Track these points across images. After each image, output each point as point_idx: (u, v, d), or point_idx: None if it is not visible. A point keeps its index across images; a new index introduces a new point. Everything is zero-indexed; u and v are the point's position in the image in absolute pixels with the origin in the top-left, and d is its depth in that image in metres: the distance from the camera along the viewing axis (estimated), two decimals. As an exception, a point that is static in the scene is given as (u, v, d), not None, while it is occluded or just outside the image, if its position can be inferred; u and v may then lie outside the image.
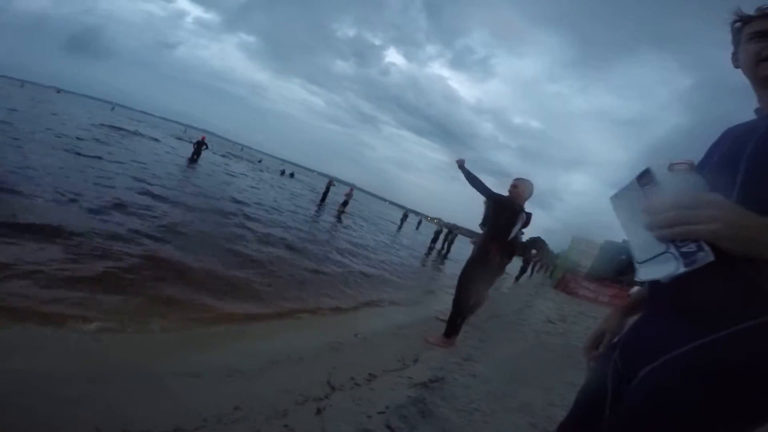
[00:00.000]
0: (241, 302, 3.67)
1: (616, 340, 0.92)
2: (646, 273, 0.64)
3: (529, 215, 3.62)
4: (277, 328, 3.31)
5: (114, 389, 1.77)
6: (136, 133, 21.71)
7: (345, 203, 18.44)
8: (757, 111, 0.81)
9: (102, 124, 20.05)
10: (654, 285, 0.79)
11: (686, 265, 0.58)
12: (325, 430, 1.75)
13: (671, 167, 0.67)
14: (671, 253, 0.60)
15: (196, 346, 2.52)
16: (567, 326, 6.69)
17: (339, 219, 14.81)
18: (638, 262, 0.67)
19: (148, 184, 7.91)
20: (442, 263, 13.24)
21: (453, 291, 3.79)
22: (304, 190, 25.07)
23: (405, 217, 27.20)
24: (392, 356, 2.92)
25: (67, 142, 10.09)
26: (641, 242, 0.66)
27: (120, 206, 5.48)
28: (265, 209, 10.22)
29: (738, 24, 0.85)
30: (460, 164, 3.58)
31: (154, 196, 6.94)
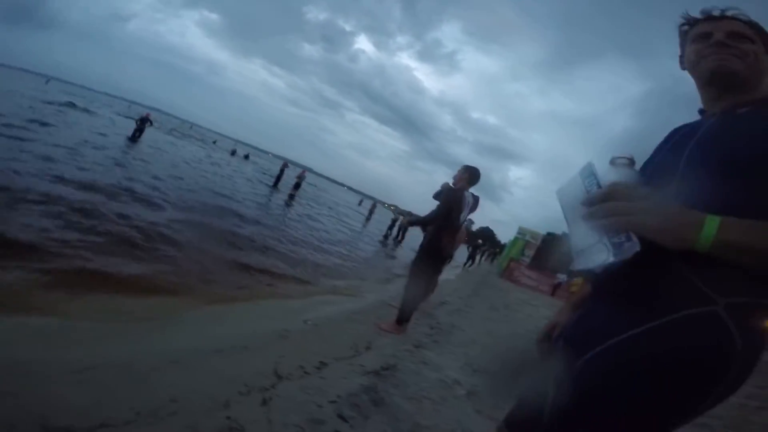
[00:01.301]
0: (178, 287, 3.42)
1: (561, 331, 0.94)
2: (580, 262, 0.67)
3: (476, 198, 3.70)
4: (220, 315, 3.13)
5: (34, 381, 1.55)
6: (70, 105, 20.07)
7: (297, 185, 18.07)
8: (700, 111, 0.85)
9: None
10: (596, 276, 0.82)
11: (615, 255, 0.61)
12: (272, 421, 1.66)
13: (612, 161, 0.71)
14: (603, 243, 0.63)
15: (128, 335, 2.30)
16: (510, 313, 7.05)
17: (290, 202, 14.40)
18: (575, 252, 0.69)
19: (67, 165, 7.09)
20: (395, 250, 13.37)
21: (405, 278, 3.81)
22: (256, 172, 24.01)
23: (373, 208, 25.76)
24: (344, 343, 2.86)
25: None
26: (579, 233, 0.68)
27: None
28: (210, 191, 9.64)
29: (685, 27, 0.88)
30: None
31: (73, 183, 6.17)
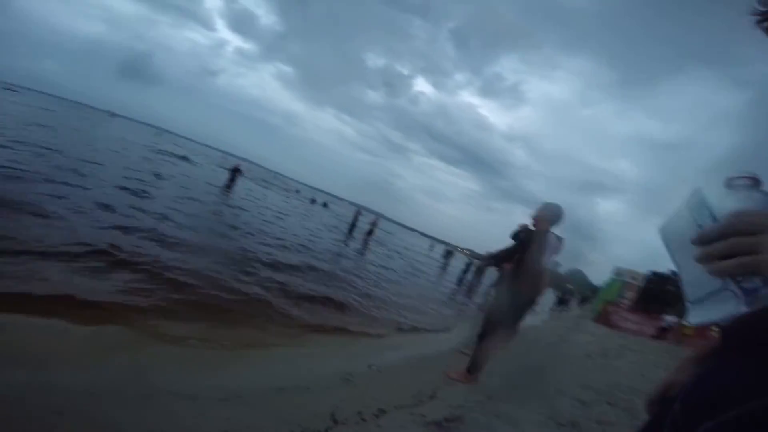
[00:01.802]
0: (254, 325, 3.62)
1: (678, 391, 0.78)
2: (698, 315, 0.54)
3: (559, 239, 3.41)
4: (290, 355, 3.20)
5: (100, 405, 1.71)
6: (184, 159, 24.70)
7: (370, 232, 18.45)
8: None
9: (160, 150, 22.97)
10: (725, 326, 0.67)
11: (748, 304, 0.48)
12: (319, 467, 1.59)
13: (729, 183, 0.56)
14: (730, 290, 0.50)
15: (200, 367, 2.45)
16: (608, 361, 6.12)
17: (364, 248, 14.74)
18: (690, 302, 0.56)
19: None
20: (471, 296, 12.73)
21: (479, 324, 3.56)
22: (335, 220, 25.38)
23: (449, 254, 24.24)
24: (407, 391, 2.71)
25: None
26: (693, 278, 0.55)
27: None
28: (289, 236, 10.34)
29: (765, 23, 0.70)
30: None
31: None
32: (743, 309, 0.49)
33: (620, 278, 18.05)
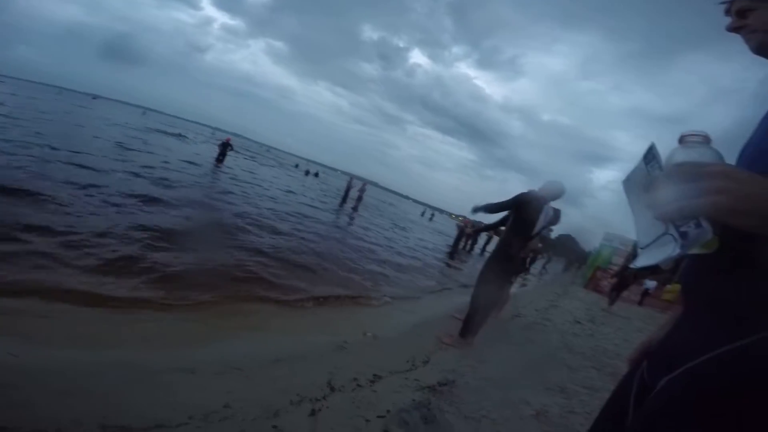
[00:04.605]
0: (247, 297, 3.65)
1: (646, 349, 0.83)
2: (645, 259, 0.58)
3: (557, 211, 3.40)
4: (285, 326, 3.25)
5: (102, 382, 1.74)
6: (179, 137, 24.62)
7: (359, 198, 18.66)
8: None
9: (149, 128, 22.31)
10: (685, 284, 0.69)
11: (682, 246, 0.52)
12: (317, 432, 1.65)
13: (681, 140, 0.60)
14: (671, 234, 0.54)
15: (196, 341, 2.49)
16: (596, 327, 6.33)
17: (353, 215, 14.83)
18: (640, 248, 0.60)
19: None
20: (464, 261, 12.92)
21: (472, 288, 3.62)
22: (326, 190, 25.31)
23: (432, 216, 24.56)
24: (402, 357, 2.78)
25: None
26: (644, 226, 0.59)
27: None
28: (282, 204, 10.30)
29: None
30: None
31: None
32: (678, 251, 0.52)
33: (611, 244, 18.34)
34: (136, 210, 5.35)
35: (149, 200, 6.02)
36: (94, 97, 76.50)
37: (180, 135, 27.41)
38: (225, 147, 17.06)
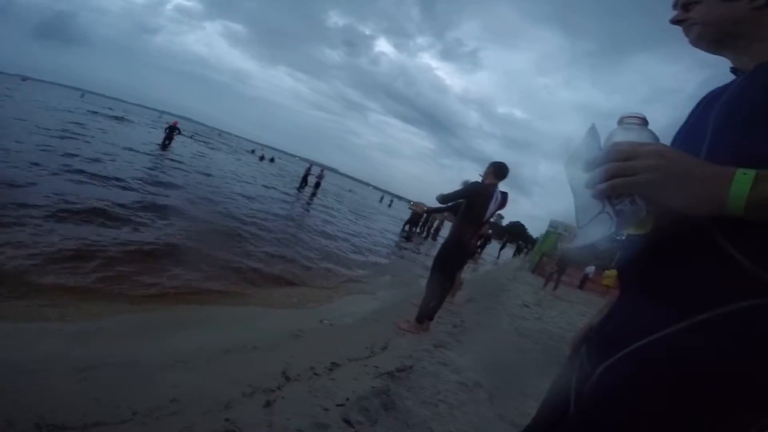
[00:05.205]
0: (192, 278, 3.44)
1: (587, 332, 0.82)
2: (582, 238, 0.58)
3: (504, 194, 3.53)
4: (235, 317, 3.09)
5: (36, 380, 1.56)
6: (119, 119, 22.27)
7: (317, 185, 18.49)
8: (731, 70, 0.73)
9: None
10: (621, 267, 0.69)
11: (618, 224, 0.53)
12: (273, 424, 1.58)
13: (620, 121, 0.61)
14: (607, 212, 0.54)
15: (136, 334, 2.30)
16: (542, 311, 6.72)
17: (311, 200, 14.61)
18: (579, 227, 0.60)
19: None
20: (417, 246, 13.16)
21: (427, 274, 3.68)
22: (280, 175, 24.47)
23: (391, 203, 25.27)
24: (359, 344, 2.76)
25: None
26: (582, 206, 0.59)
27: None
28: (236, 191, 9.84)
29: None
30: (425, 210, 3.86)
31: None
32: (614, 229, 0.53)
33: (555, 231, 19.46)
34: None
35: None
36: (24, 78, 68.32)
37: (122, 118, 25.02)
38: (172, 131, 15.94)
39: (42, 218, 3.71)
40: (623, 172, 0.51)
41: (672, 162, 0.50)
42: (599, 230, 0.55)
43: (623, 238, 0.65)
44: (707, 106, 0.66)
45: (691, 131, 0.68)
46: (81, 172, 6.27)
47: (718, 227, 0.50)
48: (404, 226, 16.47)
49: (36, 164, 5.82)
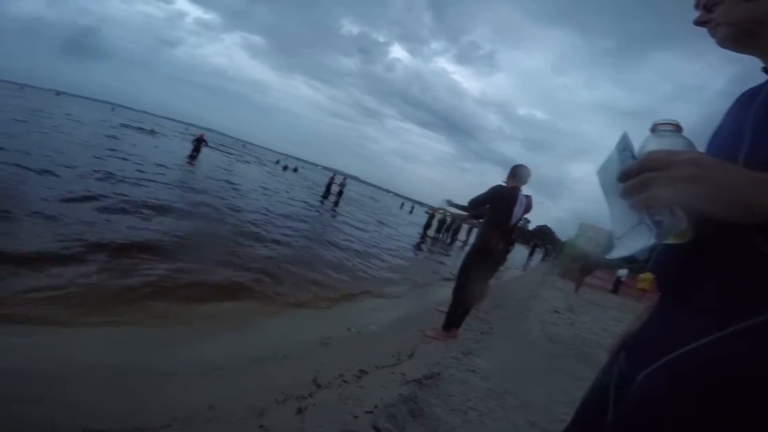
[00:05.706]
0: (229, 297, 3.56)
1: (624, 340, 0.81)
2: (620, 249, 0.57)
3: (528, 198, 3.49)
4: (267, 325, 3.18)
5: (81, 387, 1.67)
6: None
7: (340, 193, 18.79)
8: (763, 70, 0.70)
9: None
10: (659, 273, 0.68)
11: (657, 236, 0.51)
12: (305, 430, 1.62)
13: (653, 129, 0.60)
14: (645, 223, 0.53)
15: (173, 344, 2.41)
16: (575, 316, 6.52)
17: (335, 209, 14.80)
18: (616, 238, 0.58)
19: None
20: (443, 252, 13.05)
21: (454, 281, 3.66)
22: (309, 185, 24.89)
23: (412, 209, 25.50)
24: (386, 351, 2.78)
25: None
26: (618, 216, 0.58)
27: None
28: (261, 201, 10.10)
29: None
30: (449, 204, 3.93)
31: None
32: (653, 241, 0.51)
33: (585, 234, 18.84)
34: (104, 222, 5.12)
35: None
36: (58, 93, 73.14)
37: (152, 131, 26.66)
38: (199, 143, 16.62)
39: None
40: (660, 183, 0.50)
41: (710, 171, 0.47)
42: (638, 241, 0.54)
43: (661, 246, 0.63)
44: (743, 106, 0.65)
45: (728, 133, 0.66)
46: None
47: (760, 231, 0.49)
48: (424, 230, 16.44)
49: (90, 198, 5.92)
